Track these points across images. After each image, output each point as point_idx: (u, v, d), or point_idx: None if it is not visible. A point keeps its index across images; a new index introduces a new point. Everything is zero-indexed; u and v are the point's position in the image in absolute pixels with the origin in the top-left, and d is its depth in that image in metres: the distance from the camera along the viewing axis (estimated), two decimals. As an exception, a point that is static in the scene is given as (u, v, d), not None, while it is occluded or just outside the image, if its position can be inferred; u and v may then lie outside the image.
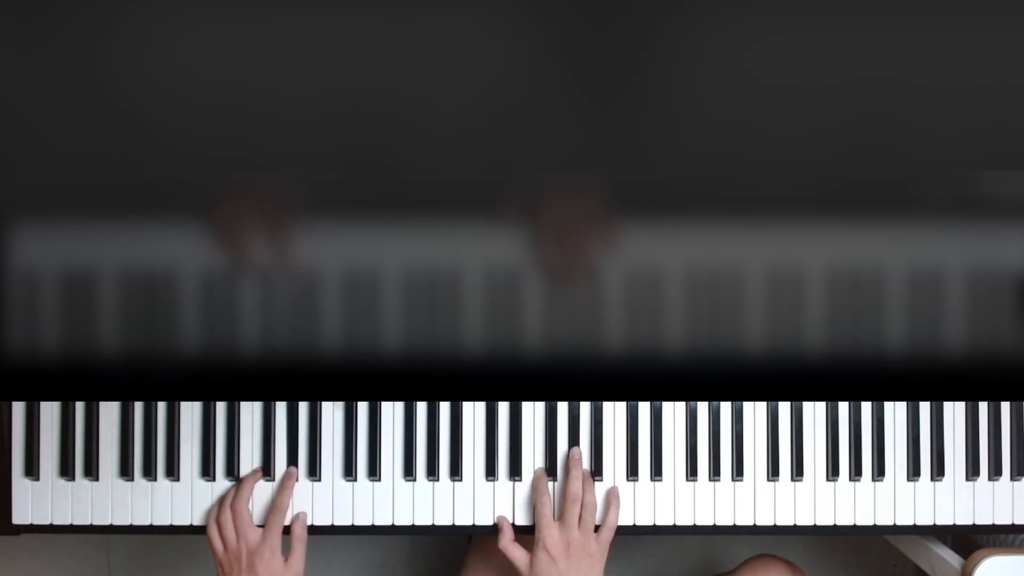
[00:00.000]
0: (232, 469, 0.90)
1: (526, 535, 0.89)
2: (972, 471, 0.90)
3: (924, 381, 0.78)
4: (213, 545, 0.87)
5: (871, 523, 0.90)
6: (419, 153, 0.73)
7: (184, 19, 0.72)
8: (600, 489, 0.90)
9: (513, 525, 0.89)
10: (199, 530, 0.90)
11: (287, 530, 0.89)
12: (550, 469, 0.90)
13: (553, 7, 0.69)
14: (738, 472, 0.90)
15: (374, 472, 0.90)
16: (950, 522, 0.90)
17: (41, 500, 0.91)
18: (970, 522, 0.90)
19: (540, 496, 0.87)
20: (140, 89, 0.73)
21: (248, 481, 0.89)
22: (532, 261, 0.78)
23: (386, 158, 0.74)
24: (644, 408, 0.91)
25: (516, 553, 0.86)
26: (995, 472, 0.90)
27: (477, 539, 1.01)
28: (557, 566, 0.84)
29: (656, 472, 0.90)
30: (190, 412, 0.91)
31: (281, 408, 0.91)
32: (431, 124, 0.73)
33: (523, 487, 0.90)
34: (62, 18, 0.72)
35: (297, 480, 0.90)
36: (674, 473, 0.90)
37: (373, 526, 0.90)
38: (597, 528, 0.88)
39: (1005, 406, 0.91)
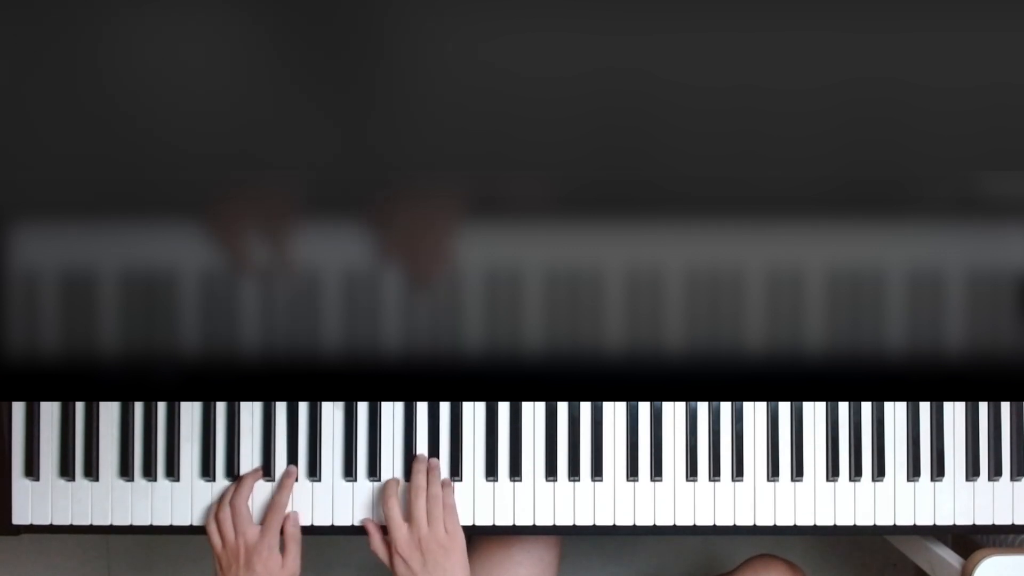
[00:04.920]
0: (232, 469, 0.90)
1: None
2: (972, 471, 0.90)
3: (924, 381, 0.78)
4: (212, 542, 0.87)
5: (871, 523, 0.90)
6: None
7: (186, 18, 0.72)
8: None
9: (516, 526, 0.90)
10: (199, 530, 0.90)
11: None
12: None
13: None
14: (738, 472, 0.90)
15: (374, 472, 0.90)
16: (950, 522, 0.90)
17: (41, 500, 0.91)
18: (970, 522, 0.90)
19: (387, 500, 0.87)
20: (140, 88, 0.73)
21: (248, 479, 0.89)
22: (536, 260, 0.78)
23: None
24: (644, 408, 0.91)
25: (382, 557, 0.86)
26: (995, 472, 0.90)
27: (477, 539, 1.01)
28: (411, 567, 0.84)
29: (656, 472, 0.90)
30: (190, 412, 0.91)
31: (281, 408, 0.91)
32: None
33: (524, 487, 0.90)
34: (61, 18, 0.72)
35: (297, 479, 0.90)
36: (674, 473, 0.90)
37: None
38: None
39: (1005, 406, 0.91)
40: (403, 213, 0.76)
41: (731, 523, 0.90)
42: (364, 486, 0.91)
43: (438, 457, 0.90)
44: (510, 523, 0.90)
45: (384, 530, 0.87)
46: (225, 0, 0.71)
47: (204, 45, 0.72)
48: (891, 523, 0.90)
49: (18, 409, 0.91)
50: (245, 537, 0.86)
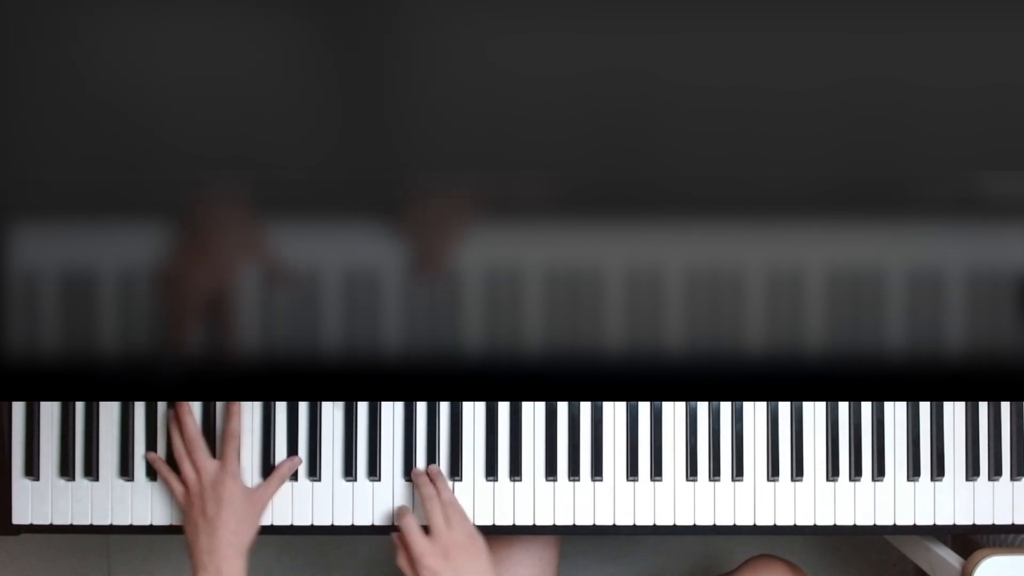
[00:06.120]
0: (232, 469, 0.90)
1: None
2: (972, 471, 0.90)
3: (924, 381, 0.78)
4: (170, 486, 0.87)
5: (871, 523, 0.90)
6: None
7: (190, 14, 0.72)
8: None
9: (516, 525, 0.90)
10: (199, 530, 0.90)
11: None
12: (549, 471, 0.90)
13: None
14: (738, 472, 0.90)
15: (374, 472, 0.90)
16: (950, 522, 0.90)
17: (41, 500, 0.91)
18: (970, 522, 0.90)
19: (403, 517, 0.85)
20: (141, 87, 0.73)
21: (183, 409, 0.88)
22: (536, 260, 0.78)
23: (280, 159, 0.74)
24: (644, 408, 0.91)
25: (409, 574, 0.84)
26: (995, 472, 0.90)
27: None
28: None
29: (656, 472, 0.90)
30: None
31: (281, 408, 0.91)
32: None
33: (524, 487, 0.90)
34: (63, 17, 0.72)
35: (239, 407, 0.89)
36: (674, 473, 0.90)
37: (373, 526, 0.90)
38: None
39: (1005, 406, 0.91)
40: (413, 212, 0.75)
41: (731, 523, 0.90)
42: (364, 486, 0.91)
43: (438, 457, 0.90)
44: (510, 523, 0.90)
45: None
46: None
47: (211, 41, 0.72)
48: (891, 523, 0.90)
49: (18, 409, 0.91)
50: (206, 472, 0.85)
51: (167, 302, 0.76)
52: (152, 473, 0.90)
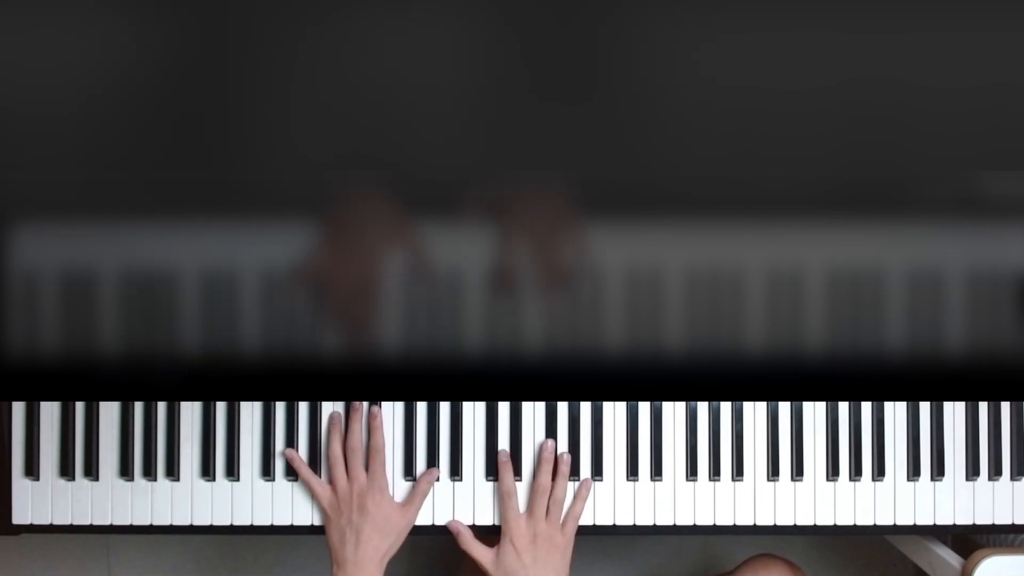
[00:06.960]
0: (232, 469, 0.90)
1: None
2: (972, 471, 0.90)
3: (924, 381, 0.78)
4: (317, 492, 0.88)
5: (871, 523, 0.90)
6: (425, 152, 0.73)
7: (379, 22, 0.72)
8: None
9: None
10: (199, 530, 0.90)
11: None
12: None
13: (514, 8, 0.69)
14: (738, 472, 0.90)
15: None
16: (950, 522, 0.90)
17: (41, 500, 0.91)
18: (970, 522, 0.90)
19: (506, 498, 0.88)
20: (133, 84, 0.73)
21: (357, 415, 0.89)
22: (525, 263, 0.78)
23: (388, 154, 0.74)
24: (644, 408, 0.91)
25: (478, 550, 0.87)
26: (995, 472, 0.90)
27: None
28: (522, 559, 0.85)
29: (656, 472, 0.90)
30: (190, 412, 0.91)
31: (281, 408, 0.91)
32: (426, 125, 0.73)
33: (523, 487, 0.90)
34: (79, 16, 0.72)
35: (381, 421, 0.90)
36: (674, 473, 0.90)
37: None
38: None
39: (1005, 406, 0.91)
40: (522, 214, 0.76)
41: (731, 523, 0.90)
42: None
43: (437, 458, 0.90)
44: (510, 523, 0.90)
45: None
46: None
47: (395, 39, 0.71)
48: (891, 523, 0.90)
49: (18, 409, 0.91)
50: (358, 481, 0.87)
51: (320, 296, 0.77)
52: (151, 473, 0.90)
